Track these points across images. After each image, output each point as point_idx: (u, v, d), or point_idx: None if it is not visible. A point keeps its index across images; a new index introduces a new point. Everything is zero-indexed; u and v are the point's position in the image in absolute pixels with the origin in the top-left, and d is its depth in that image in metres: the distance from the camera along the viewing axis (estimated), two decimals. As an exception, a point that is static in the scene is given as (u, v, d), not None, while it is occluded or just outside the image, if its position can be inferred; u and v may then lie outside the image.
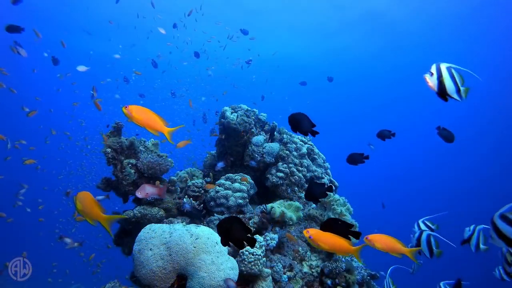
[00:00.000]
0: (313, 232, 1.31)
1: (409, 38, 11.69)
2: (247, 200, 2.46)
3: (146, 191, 2.02)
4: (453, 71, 1.17)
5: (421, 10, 10.23)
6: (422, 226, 1.97)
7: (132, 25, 9.55)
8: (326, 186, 1.73)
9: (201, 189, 2.53)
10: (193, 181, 2.58)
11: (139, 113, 1.28)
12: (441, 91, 1.19)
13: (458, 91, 1.18)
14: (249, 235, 1.24)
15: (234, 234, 1.24)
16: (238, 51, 8.69)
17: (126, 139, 2.49)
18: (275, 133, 2.98)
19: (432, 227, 1.93)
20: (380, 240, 1.34)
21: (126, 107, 1.25)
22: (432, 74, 1.19)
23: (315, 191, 1.70)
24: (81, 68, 3.98)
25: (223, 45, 7.04)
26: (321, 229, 1.40)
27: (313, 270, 2.12)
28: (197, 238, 1.67)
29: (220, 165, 2.76)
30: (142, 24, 9.18)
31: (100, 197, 2.41)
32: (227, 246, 1.81)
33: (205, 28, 8.14)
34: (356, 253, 1.30)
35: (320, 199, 1.77)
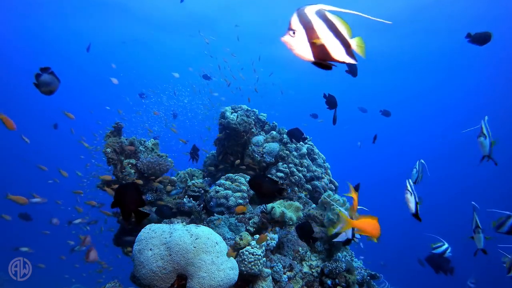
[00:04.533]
0: None
1: (407, 38, 11.67)
2: (247, 200, 2.46)
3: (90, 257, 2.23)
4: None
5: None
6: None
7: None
8: (278, 183, 1.64)
9: (201, 189, 2.53)
10: (193, 181, 2.58)
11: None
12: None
13: None
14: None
15: (126, 204, 1.17)
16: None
17: (126, 139, 2.50)
18: (273, 132, 2.97)
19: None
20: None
21: None
22: (411, 193, 0.84)
23: (266, 188, 1.59)
24: (114, 81, 4.13)
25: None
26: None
27: (313, 270, 2.12)
28: (197, 238, 1.67)
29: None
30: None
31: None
32: (228, 246, 1.81)
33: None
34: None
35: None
